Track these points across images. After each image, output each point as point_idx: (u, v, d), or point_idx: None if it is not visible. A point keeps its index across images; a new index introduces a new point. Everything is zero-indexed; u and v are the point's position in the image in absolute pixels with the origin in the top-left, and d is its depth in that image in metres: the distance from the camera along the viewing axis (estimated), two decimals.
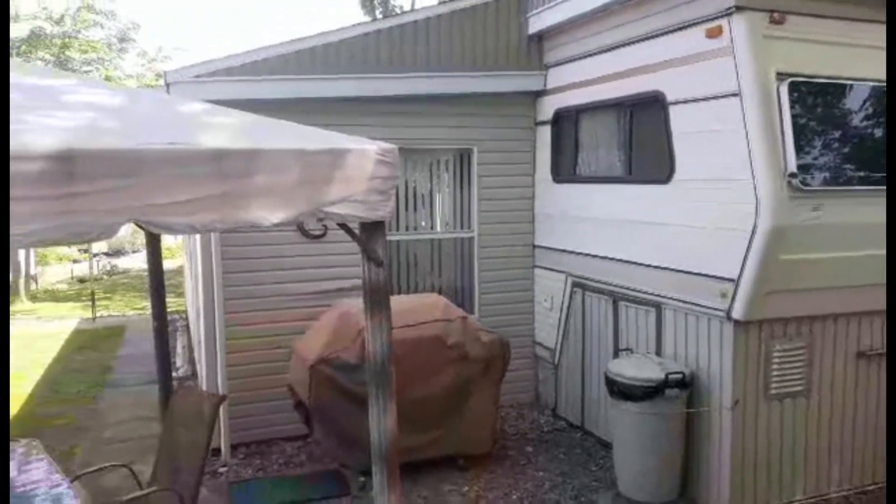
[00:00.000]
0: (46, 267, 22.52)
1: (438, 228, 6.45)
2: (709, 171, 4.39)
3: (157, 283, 5.04)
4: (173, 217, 2.17)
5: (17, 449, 3.93)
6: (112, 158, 2.09)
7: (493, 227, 6.26)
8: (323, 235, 5.58)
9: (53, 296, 17.50)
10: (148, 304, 15.13)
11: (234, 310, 5.36)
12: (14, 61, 3.77)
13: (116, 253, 27.03)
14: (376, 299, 2.72)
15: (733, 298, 4.15)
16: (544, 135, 6.19)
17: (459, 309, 5.25)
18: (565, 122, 5.94)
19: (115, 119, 2.53)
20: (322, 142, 2.56)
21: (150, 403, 6.94)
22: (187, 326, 9.12)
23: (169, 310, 6.48)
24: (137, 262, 25.53)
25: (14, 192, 1.93)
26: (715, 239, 4.30)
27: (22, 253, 16.66)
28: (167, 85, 5.06)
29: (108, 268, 22.00)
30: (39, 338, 11.49)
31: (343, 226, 2.65)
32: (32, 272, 18.06)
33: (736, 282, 4.12)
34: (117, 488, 4.15)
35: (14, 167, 1.93)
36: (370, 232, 2.68)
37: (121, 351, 10.02)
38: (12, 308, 15.07)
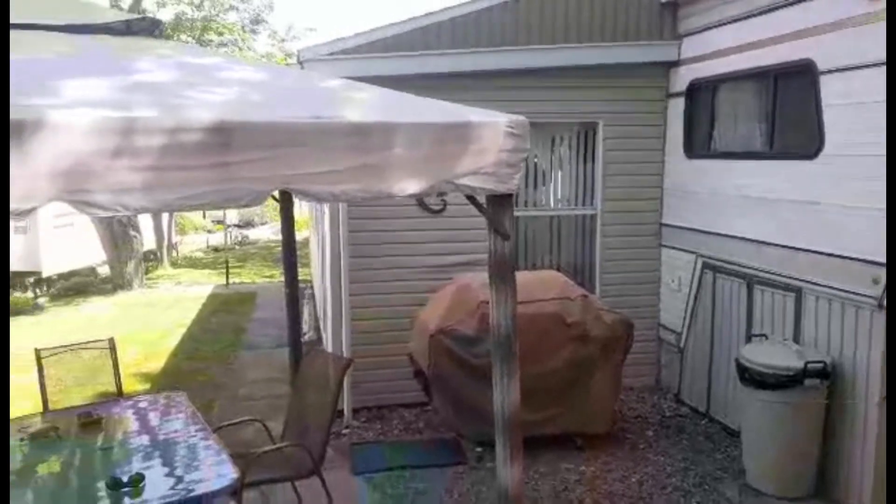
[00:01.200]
0: (185, 236, 24.56)
1: (558, 205, 6.39)
2: (862, 147, 4.04)
3: (290, 252, 5.38)
4: (317, 186, 2.32)
5: (160, 399, 4.39)
6: (263, 130, 2.26)
7: (618, 203, 6.11)
8: (442, 210, 5.65)
9: (191, 262, 19.09)
10: (275, 272, 16.18)
11: (358, 280, 5.63)
12: (171, 43, 4.13)
13: (247, 224, 28.98)
14: (502, 273, 2.76)
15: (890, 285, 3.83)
16: (676, 107, 5.93)
17: (580, 287, 5.21)
18: (701, 94, 5.66)
19: (263, 94, 2.72)
20: (454, 115, 2.63)
21: (279, 365, 7.46)
22: (312, 295, 9.66)
23: None
24: (265, 233, 27.27)
25: (177, 160, 2.15)
26: (867, 220, 3.97)
27: (165, 222, 18.28)
28: (301, 63, 5.34)
29: (240, 238, 23.63)
30: (180, 300, 12.63)
31: (471, 198, 2.70)
32: (173, 241, 19.74)
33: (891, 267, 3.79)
34: (251, 442, 4.51)
35: (177, 138, 2.13)
36: (498, 205, 2.72)
37: (253, 315, 10.80)
38: (157, 273, 16.63)
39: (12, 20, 3.17)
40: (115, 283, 14.46)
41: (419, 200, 2.77)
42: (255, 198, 2.27)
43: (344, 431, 5.39)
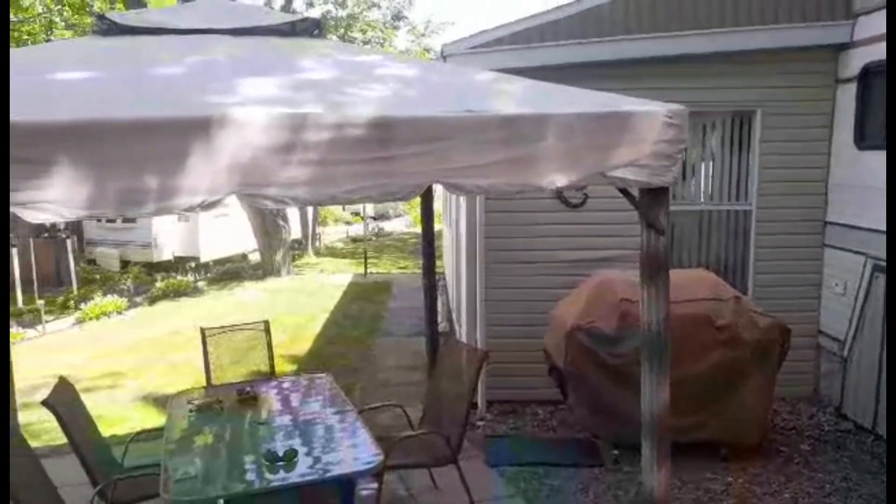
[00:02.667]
0: (325, 227, 25.97)
1: (708, 199, 6.05)
2: None
3: (428, 244, 5.52)
4: (469, 179, 2.36)
5: (310, 381, 4.67)
6: (420, 125, 2.33)
7: (776, 199, 5.69)
8: (582, 204, 5.61)
9: (332, 252, 20.16)
10: (409, 264, 16.68)
11: (493, 273, 5.66)
12: (330, 42, 4.36)
13: (382, 217, 30.15)
14: (654, 270, 2.66)
15: None
16: (847, 94, 5.41)
17: (732, 288, 4.91)
18: (876, 79, 5.12)
19: (417, 89, 2.80)
20: (608, 105, 2.56)
21: (414, 353, 7.71)
22: (445, 287, 9.87)
23: None
24: (399, 225, 28.22)
25: (341, 155, 2.26)
26: None
27: (310, 214, 19.42)
28: (444, 57, 5.44)
29: (376, 230, 24.62)
30: (323, 288, 13.38)
31: (624, 191, 2.63)
32: (317, 231, 20.94)
33: None
34: (389, 426, 4.69)
35: (341, 133, 2.25)
36: (652, 198, 2.63)
37: (389, 304, 11.23)
38: (302, 261, 17.72)
39: (190, 26, 3.51)
40: (265, 270, 15.58)
41: (559, 194, 2.75)
42: (411, 191, 2.35)
43: (478, 423, 5.45)
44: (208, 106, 2.28)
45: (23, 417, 4.74)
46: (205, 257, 19.03)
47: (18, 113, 2.05)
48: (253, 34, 3.48)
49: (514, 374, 5.74)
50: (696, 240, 5.99)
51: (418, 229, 21.32)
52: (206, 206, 2.17)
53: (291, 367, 7.42)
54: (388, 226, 27.95)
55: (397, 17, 20.24)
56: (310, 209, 19.35)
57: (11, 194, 2.00)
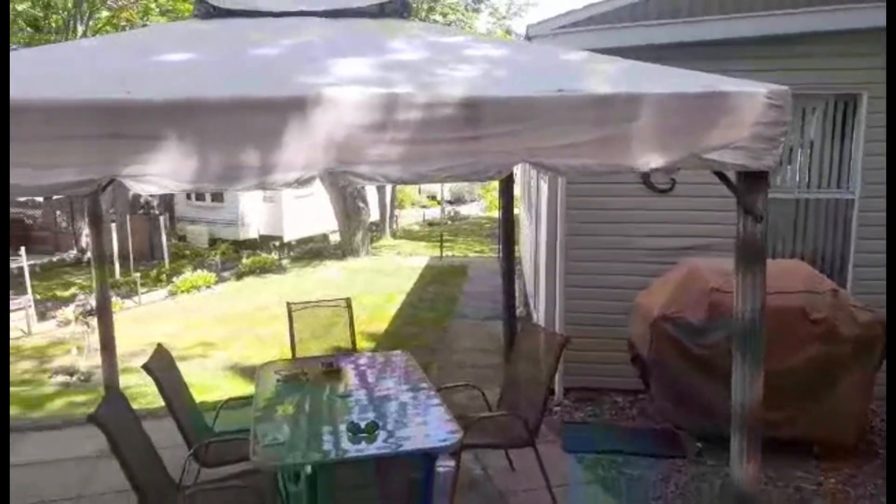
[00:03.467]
0: (402, 210, 26.32)
1: (804, 187, 5.74)
2: None
3: (507, 228, 5.52)
4: (558, 159, 2.33)
5: (391, 357, 4.77)
6: (509, 105, 2.32)
7: (882, 188, 5.32)
8: (670, 189, 5.39)
9: (409, 234, 20.43)
10: (484, 248, 16.70)
11: (574, 258, 5.59)
12: (419, 24, 4.39)
13: (458, 200, 30.26)
14: (751, 257, 2.55)
15: None
16: None
17: (829, 280, 4.66)
18: None
19: (506, 69, 2.78)
20: (706, 84, 2.46)
21: (490, 336, 7.75)
22: (521, 272, 9.84)
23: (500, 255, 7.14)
24: (475, 209, 28.24)
25: (431, 134, 2.28)
26: None
27: (388, 197, 19.73)
28: (529, 38, 5.38)
29: (452, 213, 24.74)
30: (400, 269, 13.61)
31: (720, 175, 2.53)
32: (394, 214, 21.27)
33: None
34: (466, 406, 4.73)
35: (432, 113, 2.27)
36: (750, 183, 2.51)
37: (464, 287, 11.31)
38: (379, 243, 18.06)
39: (284, 9, 3.61)
40: (345, 250, 15.99)
41: (645, 178, 2.66)
42: (499, 171, 2.35)
43: (555, 409, 5.43)
44: (304, 86, 2.35)
45: (122, 381, 5.07)
46: (288, 236, 19.73)
47: (128, 91, 2.18)
48: (344, 16, 3.54)
49: (593, 362, 5.66)
50: (791, 229, 5.71)
51: (494, 213, 21.32)
52: (302, 182, 2.24)
53: (370, 345, 7.60)
54: (463, 209, 28.02)
55: None
56: (388, 192, 19.66)
57: (122, 167, 2.13)
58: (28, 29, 19.44)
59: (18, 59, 3.04)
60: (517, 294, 9.59)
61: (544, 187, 6.14)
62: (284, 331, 5.37)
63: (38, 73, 2.58)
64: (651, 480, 4.33)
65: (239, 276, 13.92)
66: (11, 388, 6.93)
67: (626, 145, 2.34)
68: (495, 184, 27.34)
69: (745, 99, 2.39)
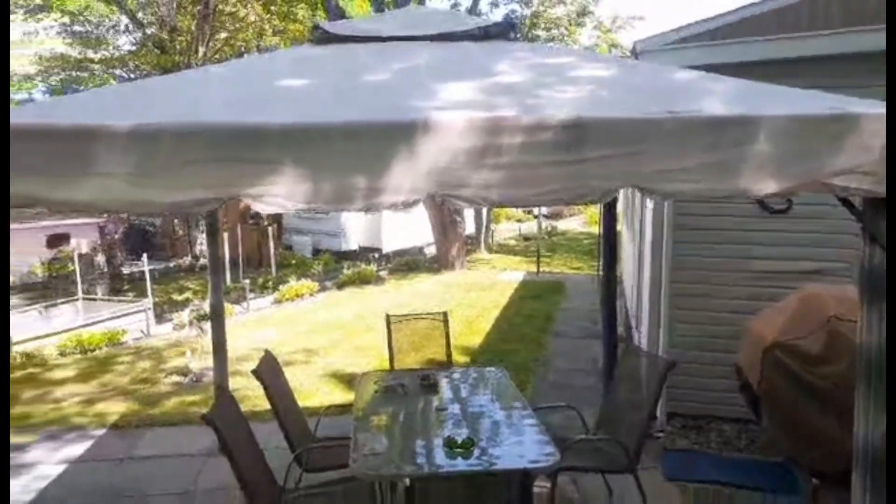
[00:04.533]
0: (498, 224, 26.34)
1: None
2: None
3: (609, 247, 5.44)
4: (667, 184, 2.30)
5: (480, 373, 4.79)
6: (615, 128, 2.31)
7: None
8: (786, 210, 5.13)
9: (504, 249, 20.43)
10: (582, 265, 16.39)
11: (679, 280, 5.42)
12: (525, 44, 4.44)
13: (555, 216, 29.97)
14: (875, 286, 2.41)
15: None
16: None
17: None
18: None
19: (614, 90, 2.78)
20: (829, 106, 2.35)
21: (588, 356, 7.62)
22: (622, 291, 9.61)
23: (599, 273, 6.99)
24: (573, 224, 27.86)
25: (534, 157, 2.31)
26: None
27: (484, 211, 19.84)
28: (636, 54, 5.30)
29: (549, 228, 24.52)
30: (495, 284, 13.63)
31: (844, 200, 2.41)
32: (490, 228, 21.35)
33: None
34: (562, 427, 4.68)
35: (535, 136, 2.29)
36: (877, 209, 2.37)
37: (561, 304, 11.17)
38: (475, 256, 18.17)
39: (392, 33, 3.76)
40: (440, 264, 16.20)
41: (759, 199, 2.56)
42: (602, 195, 2.34)
43: (657, 435, 5.27)
44: (412, 110, 2.45)
45: (231, 383, 5.40)
46: (386, 248, 20.26)
47: (248, 117, 2.36)
48: (450, 39, 3.65)
49: (699, 388, 5.46)
50: None
51: (593, 229, 20.92)
52: (407, 204, 2.33)
53: (465, 359, 7.67)
54: (561, 225, 27.72)
55: (582, 13, 19.94)
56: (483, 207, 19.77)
57: (243, 189, 2.30)
58: (156, 50, 21.14)
59: (154, 86, 3.35)
60: (618, 313, 9.40)
61: (650, 205, 6.00)
62: (381, 341, 5.53)
63: (171, 99, 2.83)
64: None
65: (340, 286, 14.43)
66: (132, 386, 7.52)
67: (741, 170, 2.27)
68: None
69: (875, 121, 2.26)
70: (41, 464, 5.25)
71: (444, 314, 5.49)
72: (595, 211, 25.70)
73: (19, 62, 23.48)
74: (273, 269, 18.21)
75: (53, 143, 2.26)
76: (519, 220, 29.55)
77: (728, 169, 2.26)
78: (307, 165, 2.30)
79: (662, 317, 5.43)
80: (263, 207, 2.32)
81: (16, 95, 23.16)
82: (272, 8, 22.77)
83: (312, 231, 22.12)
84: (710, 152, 2.26)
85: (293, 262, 19.71)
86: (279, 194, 2.30)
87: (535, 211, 22.67)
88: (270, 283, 15.63)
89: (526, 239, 22.17)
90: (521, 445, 3.55)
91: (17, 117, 3.02)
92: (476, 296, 12.27)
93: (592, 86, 2.82)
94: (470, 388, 4.54)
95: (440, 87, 2.78)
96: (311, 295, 13.30)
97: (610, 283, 5.40)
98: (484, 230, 20.05)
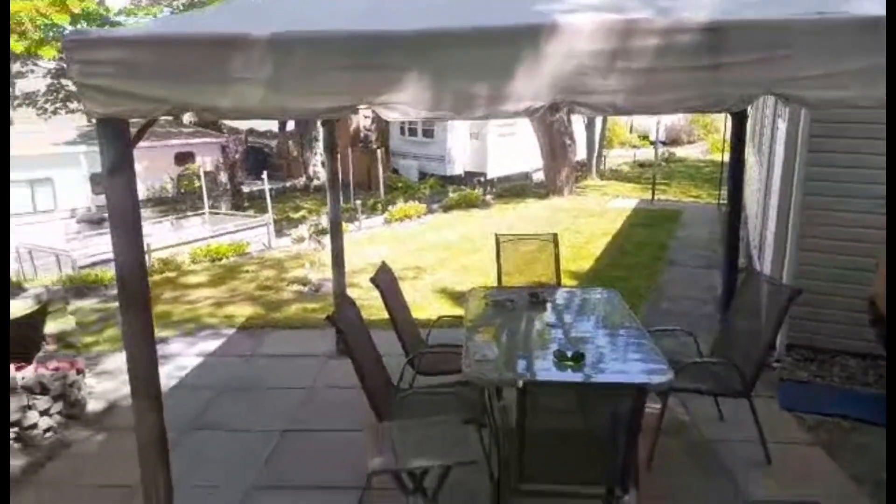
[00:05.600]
0: (610, 150, 25.50)
1: None
2: None
3: (737, 171, 5.20)
4: (812, 91, 2.18)
5: (590, 293, 4.80)
6: (757, 30, 2.20)
7: None
8: None
9: (617, 176, 19.85)
10: (701, 192, 15.76)
11: (810, 206, 5.12)
12: None
13: (673, 142, 28.60)
14: None
15: None
16: None
17: None
18: None
19: None
20: None
21: (704, 285, 7.44)
22: (745, 219, 9.18)
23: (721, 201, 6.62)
24: (693, 152, 26.53)
25: (667, 62, 2.25)
26: None
27: (596, 135, 19.26)
28: None
29: (666, 155, 23.49)
30: (605, 211, 13.38)
31: None
32: (602, 154, 20.75)
33: None
34: (676, 351, 4.65)
35: (669, 39, 2.23)
36: None
37: (676, 233, 10.84)
38: (585, 183, 17.81)
39: None
40: (548, 189, 16.03)
41: None
42: (739, 102, 2.26)
43: (774, 365, 5.14)
44: (537, 14, 2.42)
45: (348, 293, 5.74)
46: (491, 173, 20.27)
47: (376, 25, 2.43)
48: None
49: (824, 320, 5.23)
50: None
51: (715, 157, 19.83)
52: (530, 111, 2.35)
53: (573, 283, 7.69)
54: (679, 151, 26.44)
55: None
56: (596, 130, 19.17)
57: (371, 96, 2.39)
58: None
59: (279, 1, 3.47)
60: (740, 243, 9.03)
61: (781, 126, 5.64)
62: (487, 261, 5.66)
63: (304, 9, 2.94)
64: (884, 452, 3.98)
65: (446, 209, 14.67)
66: (257, 293, 8.15)
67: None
68: (718, 124, 25.36)
69: None
70: (180, 356, 5.87)
71: (554, 236, 5.51)
72: (718, 138, 24.29)
73: None
74: (381, 191, 18.75)
75: (195, 52, 2.44)
76: (634, 146, 28.47)
77: (883, 74, 2.11)
78: (431, 72, 2.36)
79: (789, 245, 5.18)
80: (389, 115, 2.42)
81: (143, 19, 24.47)
82: None
83: (418, 155, 22.43)
84: (863, 57, 2.11)
85: (400, 185, 20.17)
86: (404, 101, 2.38)
87: (652, 136, 21.75)
88: (379, 204, 16.15)
89: (641, 165, 21.40)
90: (633, 363, 3.59)
91: (160, 27, 3.25)
92: (585, 222, 12.12)
93: None
94: (580, 306, 4.59)
95: None
96: (419, 217, 13.64)
97: (734, 208, 5.18)
98: (595, 155, 19.51)
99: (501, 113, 2.39)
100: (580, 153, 18.27)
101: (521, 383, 2.77)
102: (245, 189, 21.31)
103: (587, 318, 4.37)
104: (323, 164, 22.39)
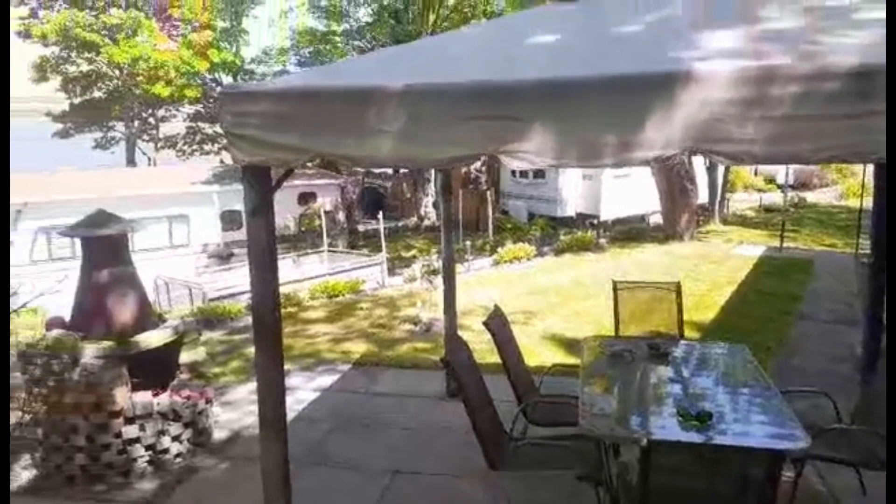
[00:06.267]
0: (733, 193, 24.38)
1: None
2: None
3: (885, 218, 4.84)
4: None
5: (716, 348, 4.56)
6: None
7: None
8: None
9: (741, 221, 18.91)
10: (836, 241, 14.73)
11: None
12: None
13: (802, 186, 26.97)
14: None
15: None
16: None
17: None
18: None
19: None
20: None
21: (841, 342, 6.89)
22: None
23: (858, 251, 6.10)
24: (825, 196, 24.89)
25: (809, 110, 2.15)
26: None
27: (719, 179, 18.52)
28: None
29: (795, 200, 22.18)
30: (729, 258, 12.76)
31: None
32: (725, 197, 19.90)
33: None
34: (810, 415, 4.31)
35: (812, 86, 2.13)
36: None
37: (808, 284, 10.15)
38: (707, 228, 17.12)
39: None
40: (667, 233, 15.53)
41: None
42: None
43: None
44: (670, 61, 2.41)
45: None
46: (604, 216, 19.92)
47: (502, 75, 2.49)
48: None
49: None
50: None
51: (852, 202, 18.45)
52: (661, 159, 2.32)
53: (694, 334, 7.35)
54: (810, 196, 24.87)
55: None
56: (719, 173, 18.45)
57: (497, 145, 2.44)
58: (391, 20, 22.69)
59: (417, 49, 3.66)
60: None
61: None
62: (601, 308, 5.54)
63: (433, 60, 3.08)
64: None
65: (557, 252, 14.53)
66: (371, 330, 8.38)
67: None
68: (855, 168, 23.63)
69: None
70: (300, 389, 6.12)
71: (677, 285, 5.32)
72: (854, 182, 22.61)
73: (277, 38, 26.73)
74: (490, 232, 18.88)
75: (334, 104, 2.61)
76: (760, 190, 27.11)
77: None
78: (557, 121, 2.38)
79: None
80: (514, 164, 2.45)
81: (273, 67, 26.42)
82: None
83: (528, 196, 22.47)
84: None
85: (508, 226, 20.24)
86: (529, 150, 2.41)
87: (780, 179, 20.66)
88: (488, 245, 16.26)
89: (767, 210, 20.30)
90: (764, 426, 3.37)
91: (303, 80, 3.50)
92: (707, 269, 11.62)
93: (882, 29, 2.52)
94: (703, 360, 4.38)
95: (699, 36, 2.69)
96: (529, 259, 13.59)
97: (877, 260, 4.81)
98: (718, 199, 18.74)
99: (630, 161, 2.37)
100: (701, 196, 17.61)
101: (645, 441, 2.68)
102: (360, 228, 22.19)
103: (711, 374, 4.16)
104: (434, 204, 23.03)
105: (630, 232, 16.98)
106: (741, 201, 23.47)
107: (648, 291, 5.49)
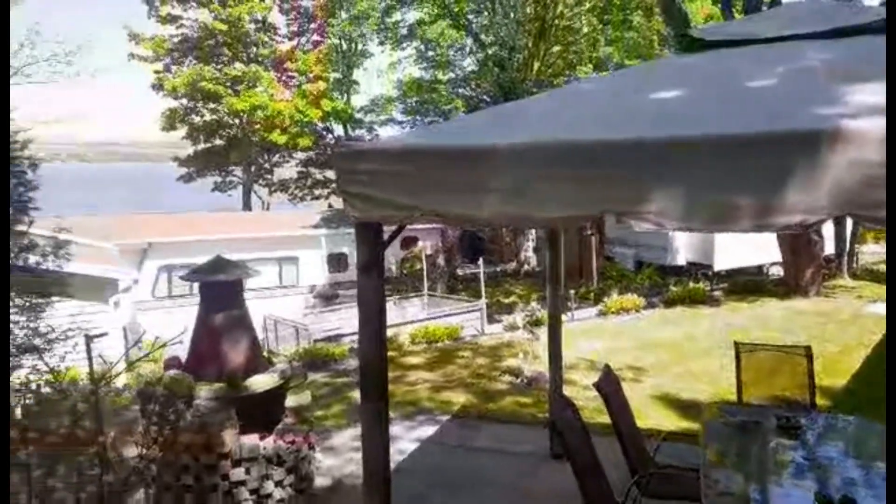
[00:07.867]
0: (863, 245, 22.65)
1: None
2: None
3: None
4: None
5: (846, 422, 4.14)
6: None
7: None
8: None
9: (873, 276, 17.48)
10: None
11: None
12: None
13: None
14: None
15: None
16: None
17: None
18: None
19: None
20: None
21: None
22: None
23: None
24: None
25: None
26: None
27: (848, 229, 17.29)
28: None
29: None
30: (859, 317, 11.78)
31: None
32: (854, 250, 18.55)
33: None
34: None
35: None
36: None
37: None
38: (833, 282, 15.95)
39: (773, 34, 3.49)
40: (789, 287, 14.58)
41: None
42: None
43: None
44: (812, 118, 2.25)
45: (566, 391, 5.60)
46: (718, 266, 18.96)
47: (620, 132, 2.41)
48: (845, 35, 3.26)
49: None
50: None
51: None
52: (806, 225, 2.15)
53: (823, 402, 6.76)
54: None
55: None
56: (848, 224, 17.22)
57: (610, 204, 2.35)
58: (495, 69, 23.08)
59: (529, 105, 3.64)
60: None
61: None
62: (717, 367, 5.19)
63: (546, 116, 3.04)
64: None
65: (668, 304, 13.95)
66: (471, 380, 8.29)
67: None
68: None
69: None
70: (400, 439, 6.11)
71: (808, 349, 4.92)
72: None
73: (385, 88, 27.95)
74: (594, 280, 18.41)
75: (444, 163, 2.61)
76: None
77: None
78: (683, 182, 2.26)
79: None
80: (639, 224, 2.34)
81: (380, 116, 27.50)
82: (605, 17, 23.15)
83: (636, 243, 21.81)
84: None
85: (614, 273, 19.68)
86: (653, 211, 2.29)
87: None
88: (592, 294, 15.84)
89: None
90: None
91: (412, 139, 3.54)
92: (834, 328, 10.76)
93: None
94: (841, 437, 3.99)
95: (843, 91, 2.51)
96: (637, 311, 13.11)
97: None
98: (847, 252, 17.46)
99: (768, 227, 2.20)
100: (827, 248, 16.46)
101: None
102: (459, 272, 22.29)
103: (849, 453, 3.77)
104: (535, 249, 22.82)
105: (747, 284, 16.06)
106: (872, 254, 21.74)
107: (772, 353, 5.12)
